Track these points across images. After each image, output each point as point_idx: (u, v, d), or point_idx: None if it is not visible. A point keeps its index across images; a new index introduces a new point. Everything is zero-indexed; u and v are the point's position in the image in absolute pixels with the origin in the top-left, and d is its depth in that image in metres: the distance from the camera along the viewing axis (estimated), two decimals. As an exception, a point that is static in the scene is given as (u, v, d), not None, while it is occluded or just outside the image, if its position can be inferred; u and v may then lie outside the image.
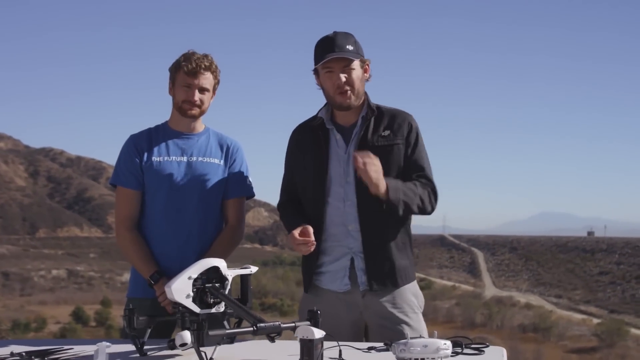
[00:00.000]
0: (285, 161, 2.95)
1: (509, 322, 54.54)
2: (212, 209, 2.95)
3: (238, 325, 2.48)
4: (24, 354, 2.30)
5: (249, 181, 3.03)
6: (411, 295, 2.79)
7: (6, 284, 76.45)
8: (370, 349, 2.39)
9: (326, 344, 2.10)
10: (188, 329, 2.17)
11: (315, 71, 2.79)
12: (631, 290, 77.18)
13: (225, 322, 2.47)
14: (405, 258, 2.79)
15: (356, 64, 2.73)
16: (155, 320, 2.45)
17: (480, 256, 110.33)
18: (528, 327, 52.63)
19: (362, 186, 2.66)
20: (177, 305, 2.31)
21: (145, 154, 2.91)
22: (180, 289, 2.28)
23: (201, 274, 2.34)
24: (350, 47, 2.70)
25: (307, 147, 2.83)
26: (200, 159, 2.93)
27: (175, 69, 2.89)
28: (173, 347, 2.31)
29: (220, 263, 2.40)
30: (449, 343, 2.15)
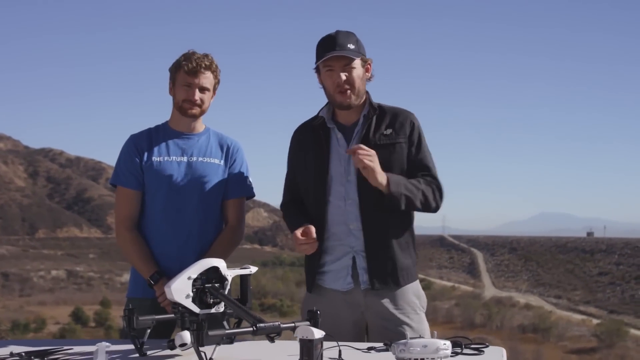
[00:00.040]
0: (288, 161, 2.95)
1: (508, 322, 54.52)
2: (212, 209, 2.94)
3: (238, 325, 2.48)
4: (23, 354, 2.30)
5: (249, 181, 3.03)
6: (413, 296, 2.78)
7: (5, 285, 76.41)
8: (370, 349, 2.39)
9: (326, 344, 2.10)
10: (188, 329, 2.16)
11: (317, 70, 2.79)
12: (630, 290, 77.16)
13: (225, 323, 2.47)
14: (408, 257, 2.78)
15: (357, 63, 2.72)
16: (155, 320, 2.44)
17: (479, 257, 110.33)
18: (528, 328, 52.62)
19: (364, 184, 2.66)
20: (176, 305, 2.31)
21: (146, 154, 2.91)
22: (180, 289, 2.28)
23: (201, 274, 2.34)
24: (351, 46, 2.70)
25: (309, 146, 2.83)
26: (200, 159, 2.93)
27: (176, 69, 2.89)
28: (173, 347, 2.30)
29: (220, 263, 2.40)
30: (448, 343, 2.15)
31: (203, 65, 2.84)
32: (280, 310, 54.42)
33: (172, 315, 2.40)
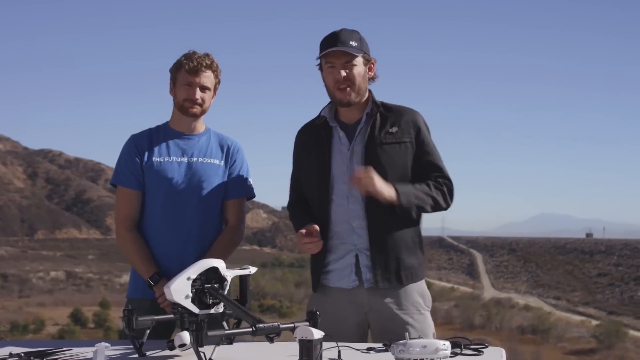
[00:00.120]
0: (293, 162, 2.95)
1: (507, 323, 54.56)
2: (212, 210, 2.94)
3: (237, 326, 2.48)
4: (22, 354, 2.30)
5: (250, 182, 3.03)
6: (417, 295, 2.77)
7: (5, 286, 76.35)
8: (369, 349, 2.39)
9: (325, 344, 2.10)
10: (187, 329, 2.17)
11: (320, 67, 2.79)
12: (630, 291, 77.24)
13: (224, 323, 2.47)
14: (414, 257, 2.77)
15: (359, 60, 2.72)
16: (154, 320, 2.44)
17: (479, 258, 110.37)
18: (527, 329, 52.65)
19: None
20: (176, 305, 2.31)
21: (146, 154, 2.91)
22: (179, 289, 2.28)
23: (200, 274, 2.34)
24: (354, 43, 2.69)
25: (311, 146, 2.83)
26: (200, 159, 2.93)
27: (177, 68, 2.89)
28: (172, 348, 2.30)
29: (220, 264, 2.40)
30: (447, 343, 2.16)
31: (204, 65, 2.85)
32: (279, 311, 54.40)
33: (172, 315, 2.40)
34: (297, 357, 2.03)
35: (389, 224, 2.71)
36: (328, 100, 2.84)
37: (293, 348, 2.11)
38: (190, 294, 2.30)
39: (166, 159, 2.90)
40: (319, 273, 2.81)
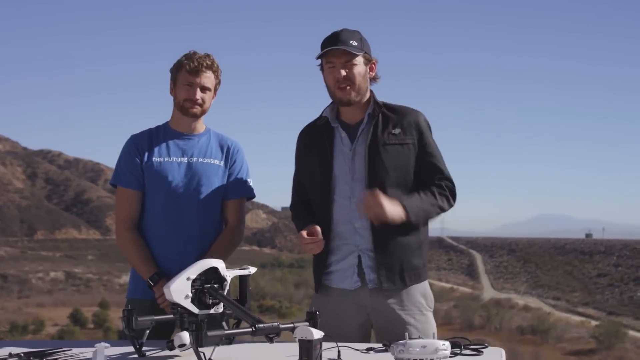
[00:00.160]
0: (295, 162, 2.95)
1: (507, 324, 54.51)
2: (212, 210, 2.94)
3: (237, 326, 2.48)
4: (22, 354, 2.30)
5: (249, 182, 3.03)
6: (420, 296, 2.78)
7: (4, 286, 76.29)
8: (369, 349, 2.38)
9: (325, 344, 2.10)
10: (187, 329, 2.17)
11: (322, 67, 2.79)
12: (629, 292, 77.21)
13: (224, 323, 2.47)
14: (418, 258, 2.78)
15: (359, 60, 2.72)
16: (154, 320, 2.44)
17: (478, 258, 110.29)
18: (526, 329, 52.61)
19: (373, 184, 2.67)
20: (175, 306, 2.31)
21: (146, 154, 2.91)
22: (179, 289, 2.28)
23: (200, 274, 2.34)
24: (354, 43, 2.69)
25: (313, 146, 2.83)
26: (200, 159, 2.93)
27: (177, 68, 2.89)
28: (172, 348, 2.30)
29: (219, 264, 2.40)
30: (447, 344, 2.16)
31: (205, 65, 2.85)
32: (278, 311, 54.36)
33: (171, 316, 2.40)
34: (297, 357, 2.03)
35: (393, 225, 2.70)
36: (328, 100, 2.84)
37: (293, 348, 2.11)
38: (190, 294, 2.30)
39: (166, 159, 2.90)
40: (321, 274, 2.81)
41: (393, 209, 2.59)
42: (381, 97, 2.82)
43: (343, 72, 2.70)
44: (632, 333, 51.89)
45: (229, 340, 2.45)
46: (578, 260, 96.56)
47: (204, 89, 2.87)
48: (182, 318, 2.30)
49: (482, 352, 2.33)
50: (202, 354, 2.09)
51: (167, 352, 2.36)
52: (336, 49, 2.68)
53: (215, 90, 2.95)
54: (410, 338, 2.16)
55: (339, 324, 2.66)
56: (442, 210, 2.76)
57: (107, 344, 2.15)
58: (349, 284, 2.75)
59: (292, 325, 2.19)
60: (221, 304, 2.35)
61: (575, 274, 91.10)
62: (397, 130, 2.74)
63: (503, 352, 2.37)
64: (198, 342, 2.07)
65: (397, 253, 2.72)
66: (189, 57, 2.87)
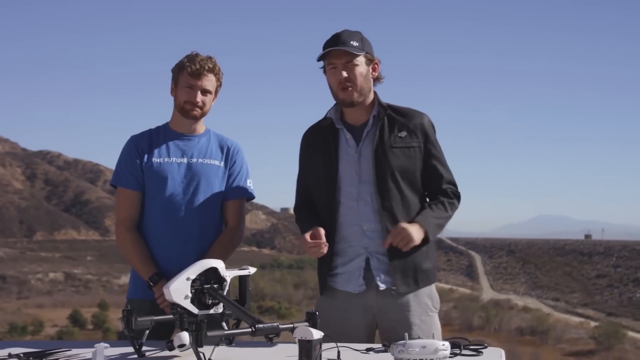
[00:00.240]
0: (299, 164, 2.94)
1: (506, 325, 54.51)
2: (211, 211, 2.94)
3: (236, 326, 2.48)
4: (21, 355, 2.30)
5: (249, 183, 3.03)
6: (426, 298, 2.77)
7: (3, 287, 76.21)
8: (368, 349, 2.38)
9: (325, 344, 2.10)
10: (186, 330, 2.16)
11: (324, 70, 2.77)
12: (628, 293, 77.21)
13: (224, 323, 2.47)
14: (429, 260, 2.78)
15: (360, 60, 2.71)
16: (154, 321, 2.44)
17: (477, 259, 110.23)
18: (526, 330, 52.62)
19: (383, 186, 2.68)
20: (175, 306, 2.31)
21: (146, 155, 2.91)
22: (179, 289, 2.28)
23: (199, 275, 2.34)
24: (355, 43, 2.68)
25: (318, 148, 2.82)
26: (200, 160, 2.93)
27: (179, 70, 2.89)
28: (171, 348, 2.30)
29: (219, 264, 2.40)
30: (447, 344, 2.16)
31: (206, 68, 2.84)
32: (278, 312, 54.35)
33: (171, 316, 2.40)
34: (297, 358, 2.03)
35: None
36: (327, 101, 2.83)
37: (293, 349, 2.11)
38: (190, 295, 2.30)
39: (166, 159, 2.90)
40: (325, 276, 2.80)
41: (417, 234, 2.63)
42: (382, 98, 2.82)
43: (344, 73, 2.69)
44: (631, 334, 51.90)
45: (229, 340, 2.45)
46: (577, 261, 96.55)
47: (204, 92, 2.87)
48: (181, 318, 2.30)
49: (481, 352, 2.33)
50: (201, 354, 2.09)
51: (166, 353, 2.36)
52: (337, 50, 2.67)
53: (216, 92, 2.95)
54: (410, 338, 2.16)
55: (345, 326, 2.66)
56: (450, 218, 2.80)
57: (106, 344, 2.15)
58: (354, 287, 2.74)
59: (291, 325, 2.19)
60: (221, 304, 2.35)
61: (574, 274, 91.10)
62: (403, 133, 2.73)
63: (503, 352, 2.37)
64: (198, 342, 2.07)
65: (410, 256, 2.71)
66: (191, 59, 2.87)
